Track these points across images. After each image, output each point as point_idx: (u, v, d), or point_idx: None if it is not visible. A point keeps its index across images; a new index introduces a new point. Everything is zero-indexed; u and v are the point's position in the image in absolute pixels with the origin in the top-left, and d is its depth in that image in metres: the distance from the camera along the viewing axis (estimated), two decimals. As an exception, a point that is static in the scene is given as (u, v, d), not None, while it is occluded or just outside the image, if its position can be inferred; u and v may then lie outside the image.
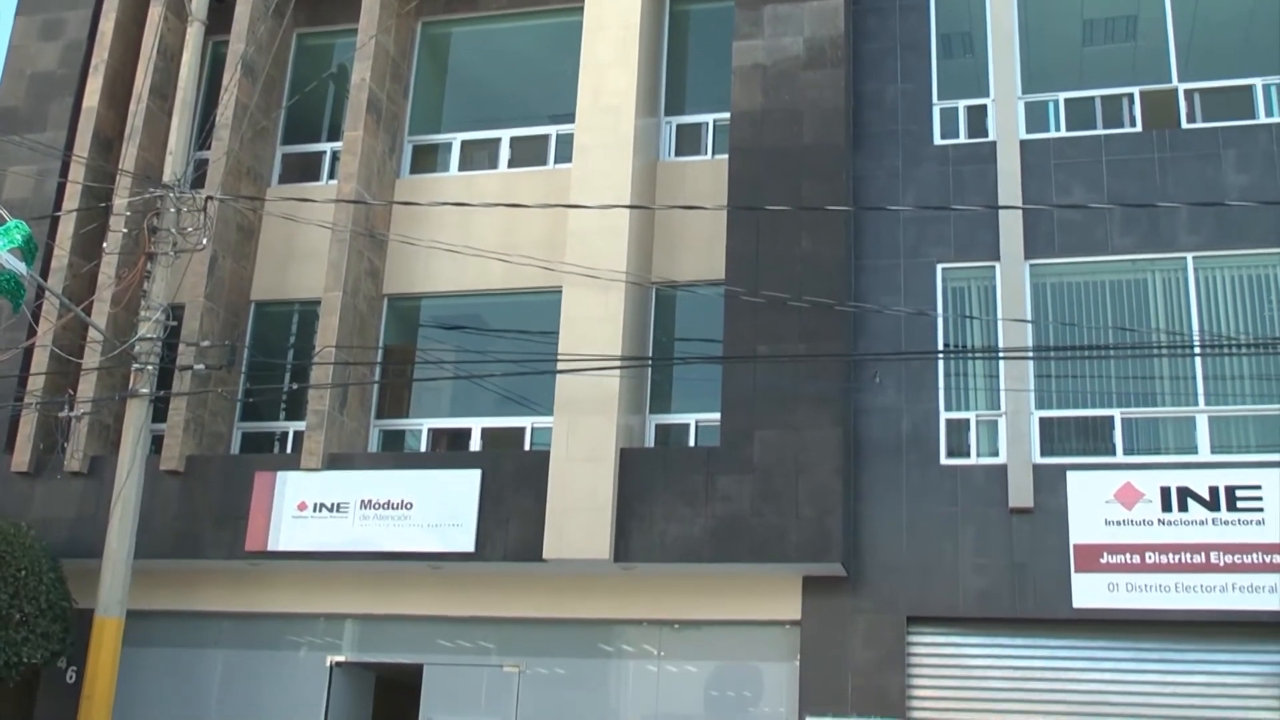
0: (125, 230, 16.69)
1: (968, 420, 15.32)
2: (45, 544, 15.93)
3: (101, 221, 17.65)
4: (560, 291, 15.91)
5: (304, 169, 18.68)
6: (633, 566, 15.01)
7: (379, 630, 16.55)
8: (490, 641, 16.14)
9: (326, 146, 18.65)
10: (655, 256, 16.60)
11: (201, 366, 16.29)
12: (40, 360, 17.22)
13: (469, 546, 15.21)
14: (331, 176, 18.26)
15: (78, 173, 17.95)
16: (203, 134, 17.19)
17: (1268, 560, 13.89)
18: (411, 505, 15.49)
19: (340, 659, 16.54)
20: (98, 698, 14.52)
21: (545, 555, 14.87)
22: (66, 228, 17.77)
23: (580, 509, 14.87)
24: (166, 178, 15.79)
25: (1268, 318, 15.14)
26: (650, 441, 16.07)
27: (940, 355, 15.57)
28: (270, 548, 15.82)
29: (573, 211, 15.92)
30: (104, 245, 17.07)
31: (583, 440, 15.12)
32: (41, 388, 17.05)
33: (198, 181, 16.86)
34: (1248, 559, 13.93)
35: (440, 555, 15.37)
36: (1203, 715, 13.93)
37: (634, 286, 15.87)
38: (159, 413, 16.24)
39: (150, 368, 15.33)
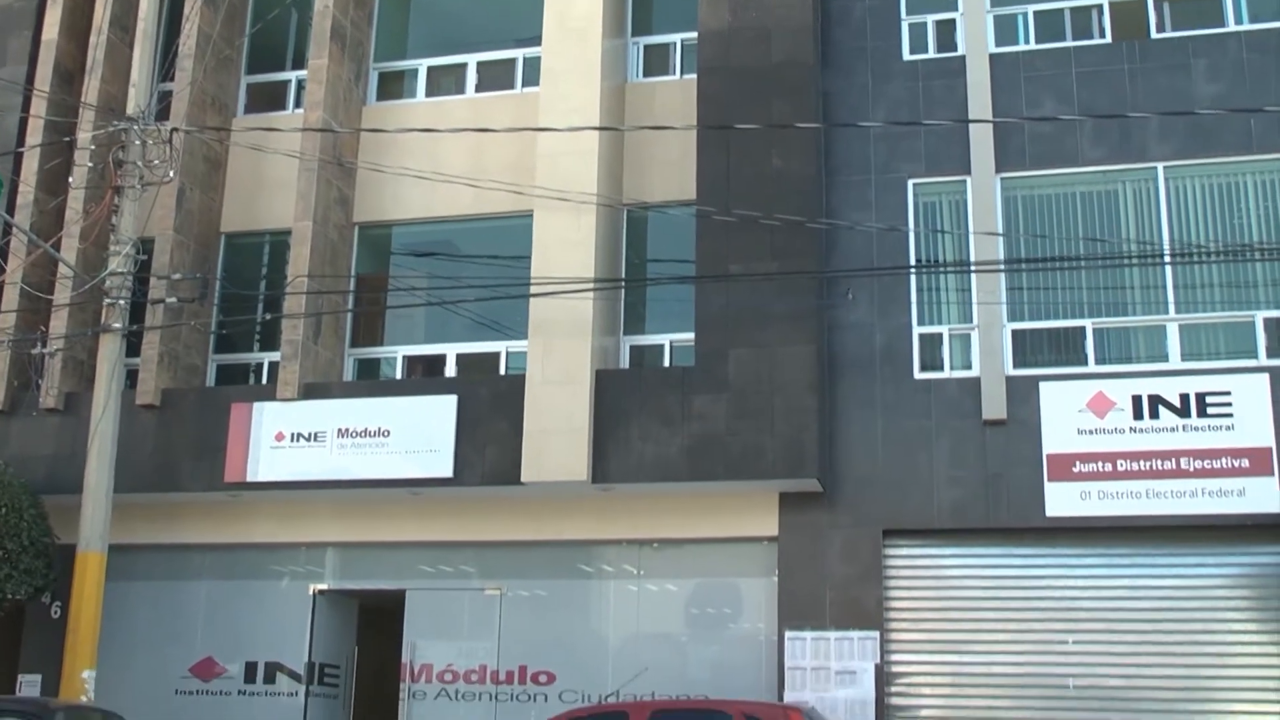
0: (90, 165, 16.51)
1: (940, 334, 15.40)
2: (24, 481, 15.94)
3: (66, 156, 17.47)
4: (531, 216, 15.87)
5: (269, 98, 18.50)
6: (611, 487, 15.11)
7: (360, 557, 16.67)
8: (471, 565, 16.28)
9: (292, 75, 18.46)
10: (625, 178, 16.55)
11: (173, 300, 16.23)
12: (10, 298, 17.14)
13: (447, 472, 15.29)
14: (298, 105, 18.09)
15: (40, 107, 17.74)
16: (166, 65, 17.00)
17: (1236, 464, 14.06)
18: (389, 433, 15.54)
19: (323, 587, 16.67)
20: (83, 632, 14.61)
21: (523, 478, 14.96)
22: (31, 163, 17.60)
23: (557, 432, 14.94)
24: (130, 110, 15.65)
25: (1237, 225, 15.20)
26: (625, 363, 16.11)
27: (912, 270, 15.61)
28: (249, 479, 15.87)
29: (542, 135, 15.82)
30: (70, 180, 16.92)
31: (558, 363, 15.15)
32: (13, 325, 16.97)
33: (162, 113, 16.69)
34: (1217, 464, 14.10)
35: (419, 481, 15.44)
36: (1174, 618, 14.19)
37: (605, 209, 15.83)
38: (133, 347, 16.19)
39: (122, 302, 15.26)
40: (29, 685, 16.58)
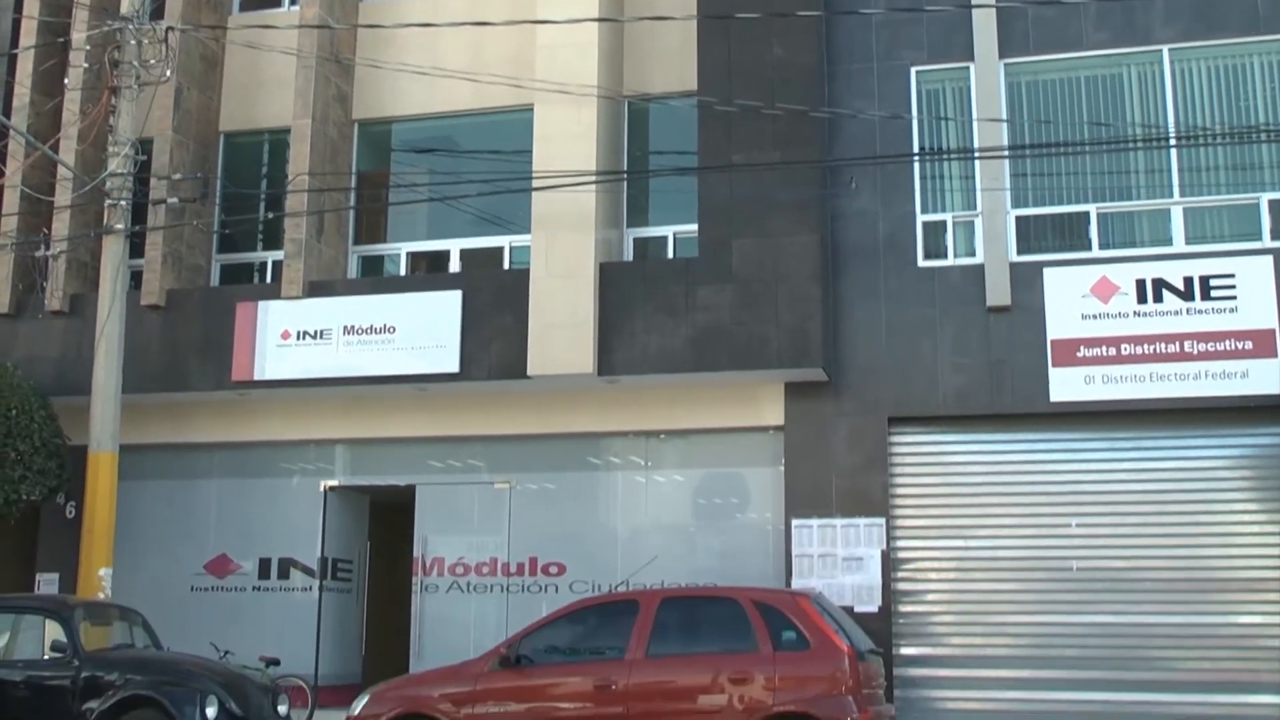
0: (86, 65, 16.38)
1: (944, 222, 15.37)
2: (33, 383, 16.04)
3: (61, 57, 17.31)
4: (532, 109, 15.76)
5: (265, -6, 18.29)
6: (617, 379, 15.20)
7: (370, 454, 16.82)
8: (479, 459, 16.43)
9: (286, -30, 18.23)
10: (626, 70, 16.41)
11: (175, 200, 16.21)
12: (11, 201, 17.10)
13: (453, 367, 15.37)
14: (294, 2, 17.87)
15: (33, 7, 17.59)
16: (159, -39, 16.77)
17: (1240, 346, 14.12)
18: (394, 329, 15.59)
19: (333, 483, 16.84)
20: (98, 530, 14.81)
21: (529, 372, 15.04)
22: (25, 65, 17.46)
23: (562, 325, 14.99)
24: (125, 9, 15.50)
25: (1243, 107, 15.09)
26: (629, 255, 16.12)
27: (915, 158, 15.53)
28: (256, 377, 15.97)
29: (541, 28, 15.67)
30: (65, 81, 16.80)
31: (561, 257, 15.15)
32: (15, 228, 16.95)
33: (157, 12, 16.50)
34: (1220, 346, 14.16)
35: (425, 377, 15.53)
36: (1176, 499, 14.33)
37: (606, 101, 15.72)
38: (136, 248, 16.19)
39: (123, 203, 15.24)
40: (47, 584, 16.84)
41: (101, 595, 14.46)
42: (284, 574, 16.79)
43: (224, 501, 17.15)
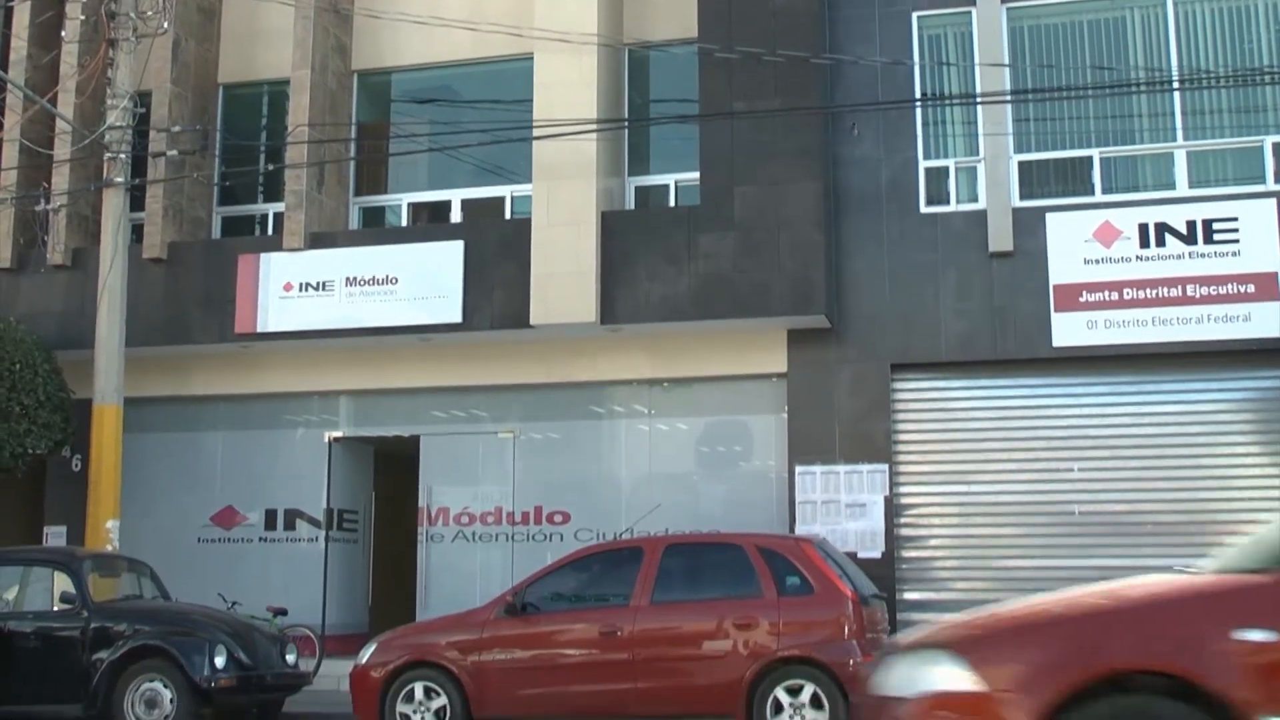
0: (83, 17, 16.30)
1: (947, 168, 15.33)
2: (36, 337, 16.05)
3: (58, 10, 17.22)
4: (532, 58, 15.67)
5: (261, -56, 18.13)
6: (619, 328, 15.20)
7: (374, 404, 16.87)
8: (483, 409, 16.47)
9: (283, -81, 18.06)
10: (626, 17, 16.30)
11: (174, 152, 16.16)
12: (10, 155, 17.05)
13: (456, 317, 15.37)
14: (290, -49, 17.72)
15: (28, -41, 17.43)
16: (154, -89, 16.61)
17: (1242, 290, 14.10)
18: (397, 280, 15.58)
19: (338, 434, 16.90)
20: (104, 483, 14.88)
21: (532, 321, 15.04)
22: (22, 18, 17.36)
23: (564, 274, 14.98)
24: (121, -41, 15.36)
25: (1247, 50, 15.00)
26: (630, 204, 16.09)
27: (917, 104, 15.46)
28: (259, 329, 15.99)
29: (540, -26, 15.57)
30: (63, 34, 16.69)
31: (563, 206, 15.12)
32: (15, 183, 16.91)
33: (153, -38, 16.37)
34: (1223, 290, 14.14)
35: (428, 327, 15.54)
36: (1177, 443, 14.37)
37: (606, 49, 15.63)
38: (136, 202, 16.17)
39: (123, 156, 15.19)
40: (54, 536, 16.92)
41: (109, 547, 14.55)
42: (290, 525, 16.89)
43: (229, 453, 17.21)
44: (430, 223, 16.85)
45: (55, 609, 12.26)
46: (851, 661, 10.60)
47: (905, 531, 14.84)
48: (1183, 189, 14.69)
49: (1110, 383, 14.63)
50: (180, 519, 17.10)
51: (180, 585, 14.69)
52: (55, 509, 17.14)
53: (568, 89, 15.32)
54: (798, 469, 14.97)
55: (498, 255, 15.42)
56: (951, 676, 4.97)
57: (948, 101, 15.53)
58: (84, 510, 15.06)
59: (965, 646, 5.05)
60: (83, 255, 16.73)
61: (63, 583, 12.29)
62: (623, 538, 14.98)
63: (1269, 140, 14.57)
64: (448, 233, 15.91)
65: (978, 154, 15.14)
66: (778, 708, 10.63)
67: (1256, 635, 4.83)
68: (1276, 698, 4.70)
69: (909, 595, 14.68)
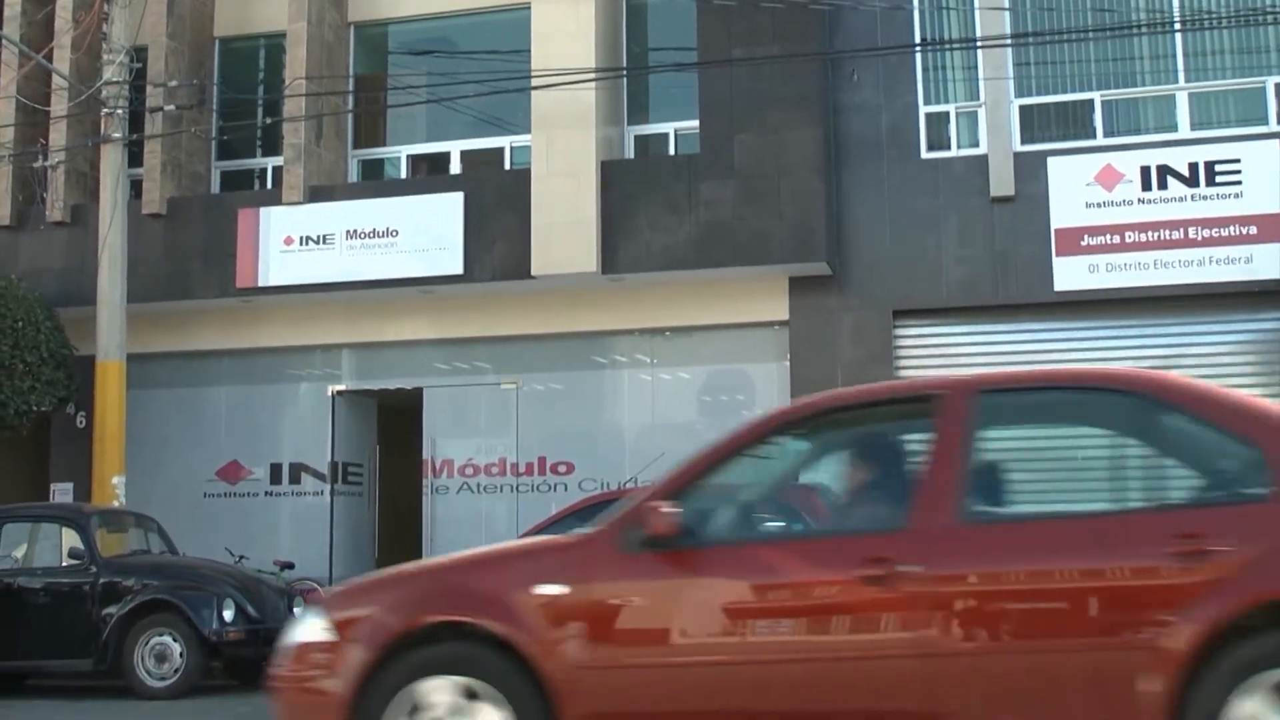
0: (77, -29, 16.19)
1: (947, 113, 15.26)
2: (38, 295, 16.05)
3: (52, -37, 17.10)
4: (529, 8, 15.57)
5: (254, -105, 17.97)
6: (621, 278, 15.19)
7: (376, 357, 16.89)
8: (486, 361, 16.49)
9: None
10: (624, -36, 16.19)
11: (172, 107, 16.09)
12: (6, 112, 16.96)
13: (457, 269, 15.36)
14: (284, -99, 17.56)
15: (20, -87, 17.28)
16: None
17: (1244, 232, 14.07)
18: (397, 232, 15.55)
19: (341, 388, 16.92)
20: (109, 439, 14.95)
21: (534, 272, 15.03)
22: (16, -27, 17.23)
23: (565, 224, 14.94)
24: (113, -89, 15.24)
25: (1249, -11, 14.90)
26: (630, 153, 16.03)
27: (917, 49, 15.36)
28: (261, 283, 15.97)
29: (535, -79, 15.44)
30: (57, -12, 16.59)
31: (562, 156, 15.07)
32: (13, 140, 16.85)
33: (146, -86, 16.24)
34: (1225, 232, 14.11)
35: (429, 280, 15.53)
36: (1180, 385, 14.34)
37: (603, -4, 15.53)
38: (135, 157, 16.12)
39: (120, 112, 15.15)
40: (61, 493, 16.97)
41: (116, 503, 14.62)
42: (295, 479, 16.94)
43: (233, 408, 17.25)
44: (429, 175, 16.80)
45: (64, 564, 12.34)
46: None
47: (908, 477, 14.84)
48: (1185, 131, 14.62)
49: (1112, 326, 14.62)
50: (185, 474, 17.16)
51: (187, 540, 14.76)
52: (61, 466, 17.20)
53: (565, 38, 15.23)
54: (800, 416, 14.95)
55: (498, 206, 15.38)
56: (315, 628, 5.54)
57: (948, 46, 15.43)
58: (90, 467, 15.14)
59: (330, 603, 5.71)
60: (82, 212, 16.69)
61: (71, 538, 12.37)
62: (628, 486, 15.03)
63: (1271, 81, 14.49)
64: (447, 184, 15.86)
65: (978, 98, 15.07)
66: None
67: (550, 589, 5.32)
68: (563, 644, 5.19)
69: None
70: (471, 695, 5.25)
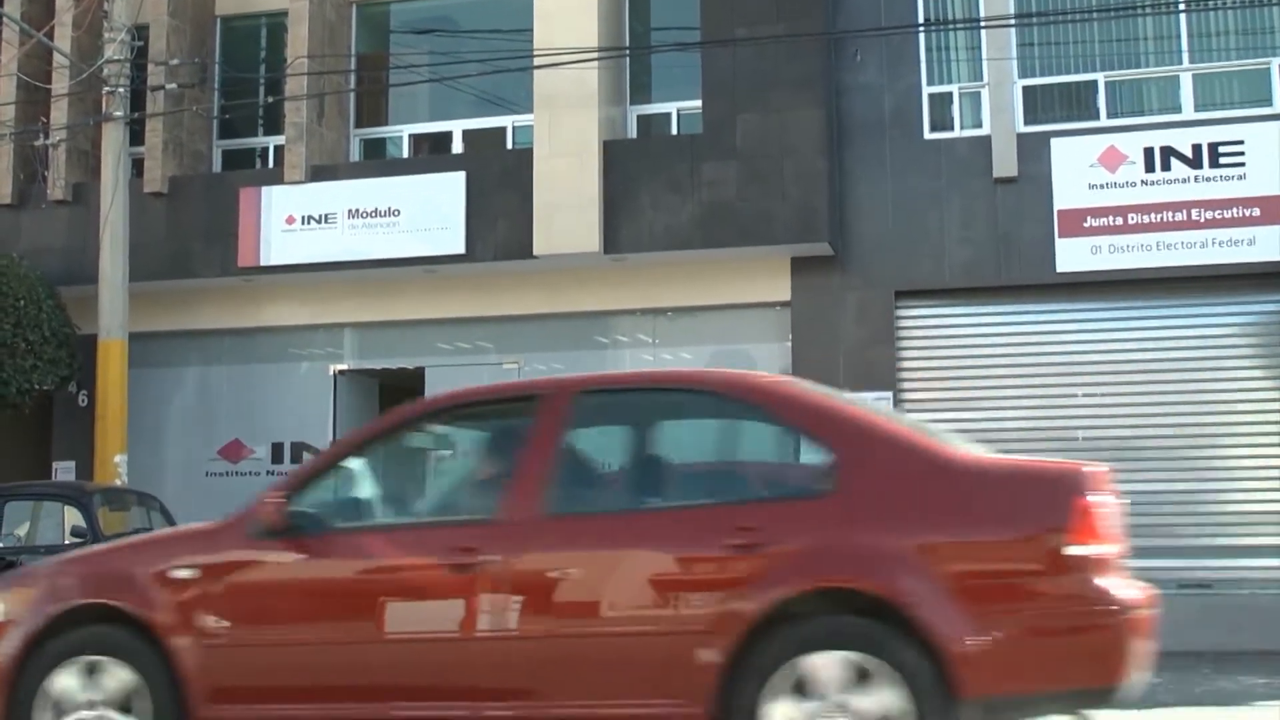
0: (78, -51, 16.13)
1: (950, 93, 15.22)
2: (40, 273, 16.03)
3: (52, -59, 17.03)
4: (532, -14, 15.54)
5: (255, -128, 17.91)
6: (623, 258, 15.17)
7: (378, 337, 16.88)
8: (488, 340, 16.49)
9: None
10: (627, -57, 16.14)
11: (173, 86, 16.05)
12: (7, 90, 16.92)
13: (459, 248, 15.35)
14: (285, -121, 17.50)
15: (20, -110, 17.21)
16: None
17: (1248, 214, 14.05)
18: (399, 212, 15.53)
19: (343, 367, 16.92)
20: (111, 418, 14.94)
21: (536, 251, 15.02)
22: (17, -50, 17.17)
23: (567, 204, 14.93)
24: (114, -112, 15.17)
25: (1254, -30, 14.85)
26: (633, 133, 16.00)
27: (921, 29, 15.32)
28: (262, 262, 15.96)
29: (538, -100, 15.38)
30: (58, -34, 16.53)
31: (565, 135, 15.04)
32: (14, 118, 16.82)
33: (147, -109, 16.17)
34: (1228, 213, 14.09)
35: (432, 259, 15.51)
36: (1180, 367, 14.38)
37: (607, -25, 15.48)
38: (136, 136, 16.08)
39: (121, 90, 15.10)
40: (64, 472, 16.98)
41: (118, 482, 14.63)
42: (297, 458, 16.92)
43: (235, 387, 17.24)
44: (431, 154, 16.77)
45: (67, 542, 12.33)
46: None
47: (909, 458, 14.85)
48: (1188, 112, 14.60)
49: (1114, 308, 14.62)
50: (187, 453, 17.16)
51: (189, 519, 14.63)
52: (63, 444, 17.21)
53: (568, 17, 15.18)
54: (802, 397, 14.96)
55: (500, 186, 15.36)
56: None
57: (951, 26, 15.39)
58: (91, 445, 15.14)
59: (10, 583, 6.42)
60: (83, 190, 16.67)
61: (73, 517, 12.37)
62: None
63: (1275, 62, 14.46)
64: (449, 164, 15.84)
65: (982, 79, 15.04)
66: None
67: (182, 573, 5.96)
68: (187, 621, 5.85)
69: (913, 521, 14.72)
70: (93, 670, 5.93)
